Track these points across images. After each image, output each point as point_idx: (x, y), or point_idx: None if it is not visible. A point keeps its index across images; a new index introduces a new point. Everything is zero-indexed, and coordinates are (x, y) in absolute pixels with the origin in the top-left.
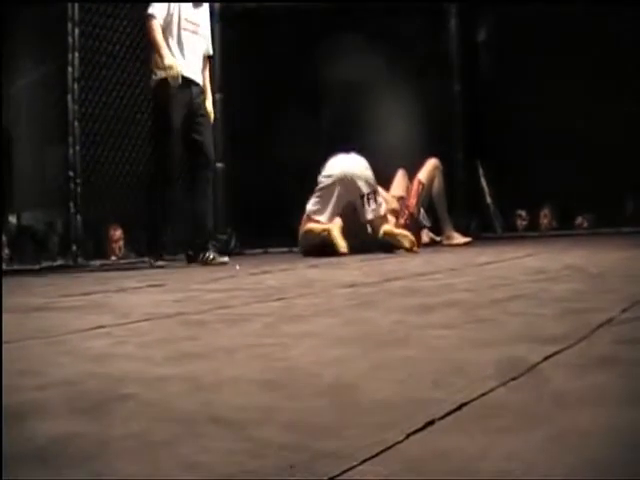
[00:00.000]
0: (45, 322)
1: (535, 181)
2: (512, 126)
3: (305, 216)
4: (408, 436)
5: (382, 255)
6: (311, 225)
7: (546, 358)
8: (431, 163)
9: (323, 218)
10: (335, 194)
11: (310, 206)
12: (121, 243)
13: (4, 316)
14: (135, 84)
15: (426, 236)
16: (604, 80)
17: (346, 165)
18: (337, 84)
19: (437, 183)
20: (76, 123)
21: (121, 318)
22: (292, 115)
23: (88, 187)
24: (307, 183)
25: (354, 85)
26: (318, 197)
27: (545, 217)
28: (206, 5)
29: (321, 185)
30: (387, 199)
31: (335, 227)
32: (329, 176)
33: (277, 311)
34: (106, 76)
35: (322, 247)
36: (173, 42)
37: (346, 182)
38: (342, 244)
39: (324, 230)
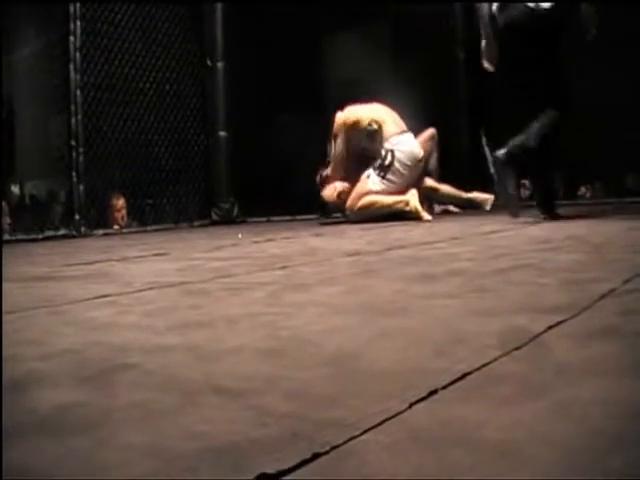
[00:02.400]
0: (48, 291)
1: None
2: (516, 94)
3: (357, 192)
4: (411, 405)
5: (385, 223)
6: (376, 198)
7: (549, 328)
8: (428, 133)
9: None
10: (405, 179)
11: (371, 185)
12: (124, 212)
13: (7, 286)
14: (137, 52)
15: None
16: (612, 47)
17: (417, 152)
18: (341, 53)
19: (433, 157)
20: (78, 92)
21: (124, 287)
22: (296, 83)
23: (91, 156)
24: (311, 151)
25: (358, 52)
26: (387, 179)
27: None
28: None
29: (394, 168)
30: None
31: (412, 197)
32: (405, 165)
33: (280, 280)
34: (107, 45)
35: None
36: None
37: (418, 169)
38: (424, 214)
39: (399, 202)
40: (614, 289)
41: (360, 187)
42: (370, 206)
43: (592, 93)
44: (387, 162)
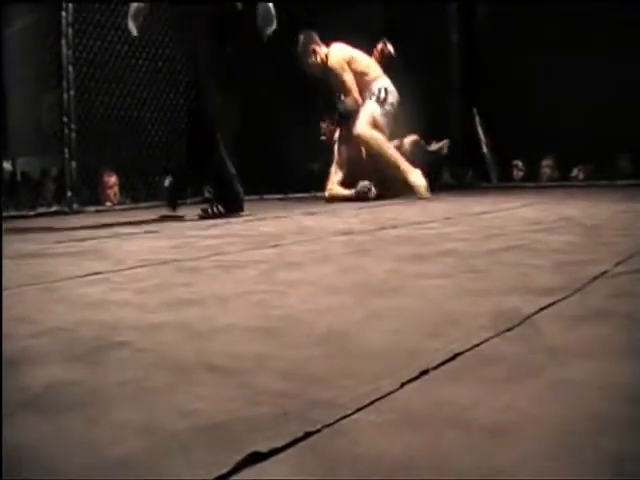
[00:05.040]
0: (40, 268)
1: (532, 132)
2: (510, 77)
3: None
4: (402, 385)
5: (379, 203)
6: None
7: (540, 309)
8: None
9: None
10: (390, 120)
11: (373, 108)
12: (116, 189)
13: None
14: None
15: None
16: (607, 32)
17: (397, 95)
18: (334, 35)
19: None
20: (70, 68)
21: (116, 264)
22: (289, 64)
23: (83, 133)
24: (304, 130)
25: (352, 35)
26: (385, 110)
27: (547, 167)
28: None
29: (387, 103)
30: None
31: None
32: (392, 104)
33: (273, 258)
34: (100, 21)
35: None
36: None
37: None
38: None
39: (406, 170)
40: (607, 271)
41: (364, 114)
42: (381, 145)
43: (585, 80)
44: (382, 97)
